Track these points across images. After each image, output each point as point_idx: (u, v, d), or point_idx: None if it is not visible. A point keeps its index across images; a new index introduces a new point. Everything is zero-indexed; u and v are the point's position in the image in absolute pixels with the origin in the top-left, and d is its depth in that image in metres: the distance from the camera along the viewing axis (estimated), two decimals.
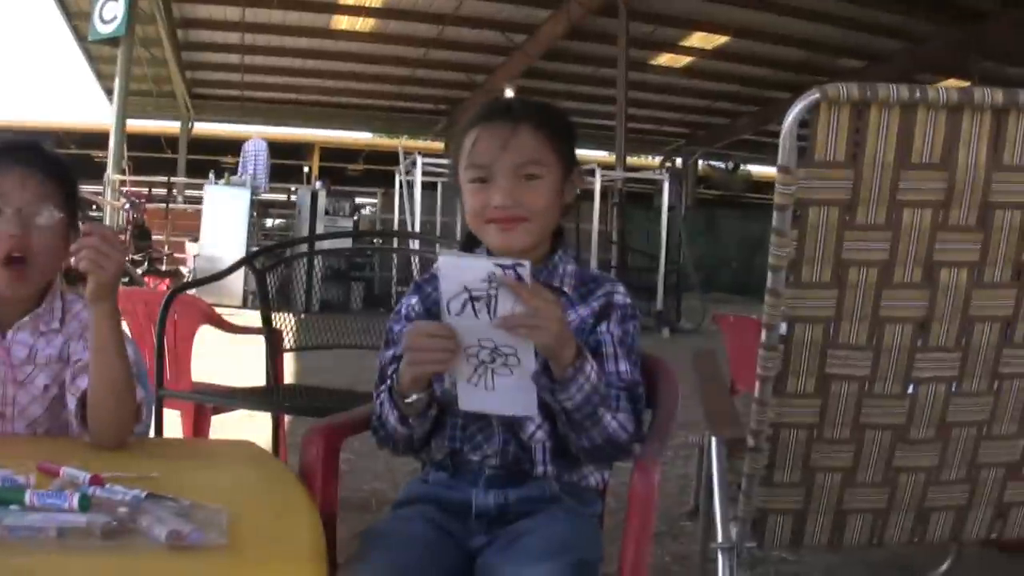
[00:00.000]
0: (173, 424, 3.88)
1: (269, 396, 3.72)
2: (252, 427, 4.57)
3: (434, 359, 1.83)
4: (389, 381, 2.02)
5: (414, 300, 2.19)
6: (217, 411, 3.87)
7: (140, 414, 2.03)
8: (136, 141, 23.56)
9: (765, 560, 3.81)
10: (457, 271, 1.75)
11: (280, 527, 1.40)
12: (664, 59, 23.90)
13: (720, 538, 2.44)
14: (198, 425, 3.76)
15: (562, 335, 1.81)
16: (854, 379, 2.21)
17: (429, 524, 1.97)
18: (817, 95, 1.93)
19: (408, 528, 1.95)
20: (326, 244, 7.52)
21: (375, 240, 15.98)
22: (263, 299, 3.95)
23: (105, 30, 18.59)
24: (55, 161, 2.19)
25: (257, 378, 4.28)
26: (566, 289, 2.11)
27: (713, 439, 2.52)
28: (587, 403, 1.89)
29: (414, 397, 1.96)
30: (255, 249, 15.52)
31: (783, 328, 2.13)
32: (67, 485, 1.45)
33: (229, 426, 4.18)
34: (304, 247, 7.51)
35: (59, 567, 1.15)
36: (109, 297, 1.93)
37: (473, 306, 1.75)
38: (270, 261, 4.32)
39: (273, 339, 3.89)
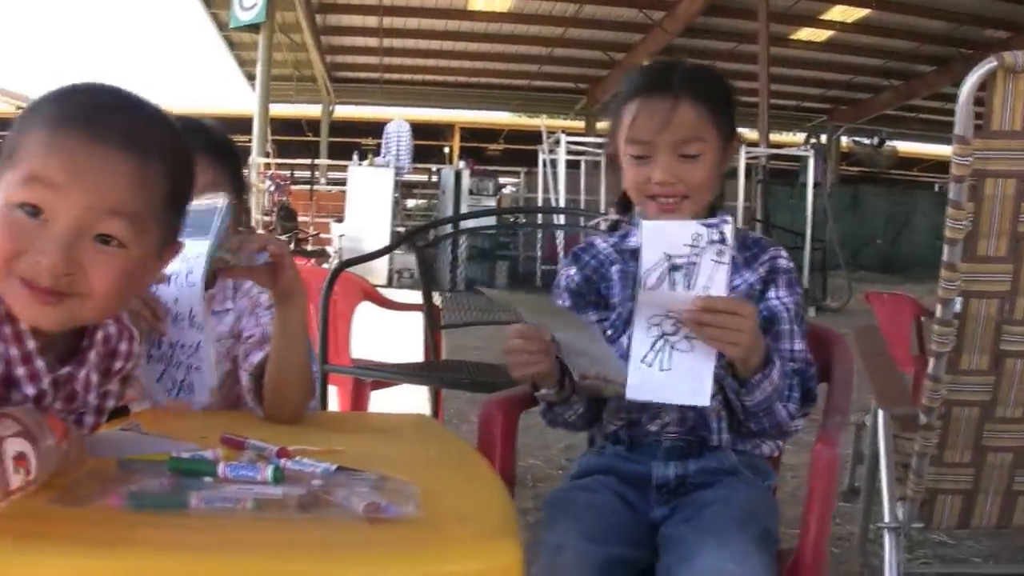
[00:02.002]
0: (332, 400, 3.95)
1: (430, 370, 3.76)
2: (407, 404, 4.62)
3: (523, 361, 1.89)
4: None
5: (572, 271, 2.18)
6: (375, 387, 3.92)
7: (314, 390, 2.06)
8: (278, 125, 24.00)
9: (924, 543, 3.73)
10: (661, 235, 1.72)
11: (469, 501, 1.38)
12: (805, 33, 23.51)
13: (887, 518, 2.40)
14: (356, 400, 3.79)
15: (753, 345, 1.80)
16: None
17: (610, 493, 1.96)
18: (994, 63, 1.89)
19: (591, 498, 1.93)
20: (471, 223, 7.56)
21: (519, 218, 15.95)
22: (424, 275, 4.00)
23: (245, 17, 18.96)
24: (223, 144, 2.23)
25: (410, 355, 4.31)
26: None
27: (880, 416, 2.48)
28: (766, 402, 1.89)
29: (543, 391, 2.00)
30: (403, 229, 15.71)
31: (958, 304, 2.09)
32: (254, 457, 1.47)
33: (385, 402, 4.22)
34: (454, 227, 7.54)
35: (258, 539, 1.16)
36: (298, 291, 1.92)
37: (671, 277, 1.71)
38: (423, 240, 4.35)
39: (433, 315, 3.93)
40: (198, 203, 1.75)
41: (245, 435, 1.58)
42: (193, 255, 1.81)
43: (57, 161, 1.26)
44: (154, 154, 1.34)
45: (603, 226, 2.21)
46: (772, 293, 2.05)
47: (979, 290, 2.07)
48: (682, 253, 1.70)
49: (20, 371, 1.35)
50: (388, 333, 5.56)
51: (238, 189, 2.20)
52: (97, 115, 1.30)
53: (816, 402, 2.03)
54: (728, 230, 1.70)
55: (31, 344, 1.36)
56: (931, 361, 2.13)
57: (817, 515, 1.80)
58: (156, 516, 1.21)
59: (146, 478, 1.31)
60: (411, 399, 4.43)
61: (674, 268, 1.71)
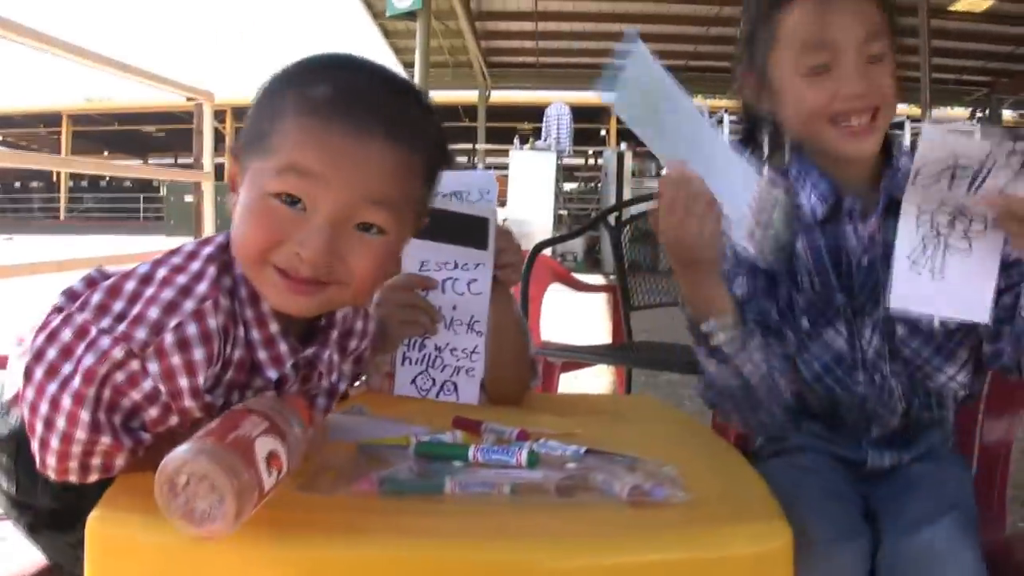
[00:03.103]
0: None
1: (624, 351, 3.72)
2: (594, 384, 4.58)
3: (679, 222, 1.50)
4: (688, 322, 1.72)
5: None
6: (564, 369, 3.89)
7: (536, 368, 2.03)
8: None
9: None
10: (943, 145, 1.42)
11: (725, 481, 1.34)
12: (964, 3, 22.81)
13: None
14: (546, 382, 3.77)
15: None
16: None
17: (831, 472, 1.81)
18: None
19: (818, 481, 1.76)
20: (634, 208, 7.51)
21: None
22: (617, 257, 3.95)
23: (402, 5, 19.16)
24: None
25: (593, 336, 4.27)
26: None
27: None
28: None
29: (713, 322, 1.64)
30: (565, 212, 15.70)
31: None
32: (496, 441, 1.43)
33: (572, 383, 4.19)
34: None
35: (522, 527, 1.12)
36: (516, 276, 1.93)
37: (953, 175, 1.44)
38: (619, 220, 4.30)
39: (627, 296, 3.89)
40: (467, 208, 1.82)
41: (477, 417, 1.55)
42: (472, 263, 1.84)
43: (319, 152, 1.25)
44: (418, 143, 1.32)
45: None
46: None
47: None
48: (969, 163, 1.43)
49: (263, 355, 1.34)
50: (570, 315, 5.53)
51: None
52: (358, 101, 1.28)
53: None
54: None
55: (275, 326, 1.35)
56: None
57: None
58: (410, 502, 1.19)
59: (394, 462, 1.29)
60: (598, 380, 4.40)
61: (959, 167, 1.44)
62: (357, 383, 1.92)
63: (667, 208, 1.51)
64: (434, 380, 1.86)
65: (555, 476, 1.21)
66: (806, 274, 1.82)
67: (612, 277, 4.53)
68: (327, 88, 1.28)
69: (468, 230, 1.81)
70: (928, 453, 1.88)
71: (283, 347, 1.36)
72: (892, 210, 1.66)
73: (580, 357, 3.75)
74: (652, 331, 6.17)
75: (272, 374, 1.36)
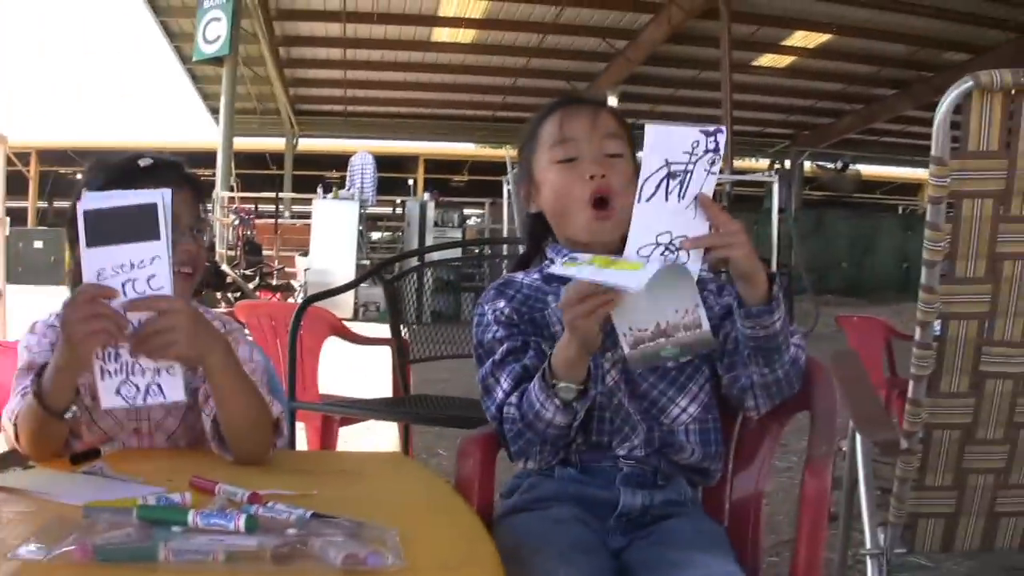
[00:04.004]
0: (299, 436, 3.89)
1: (400, 405, 3.70)
2: (374, 439, 4.57)
3: (586, 311, 1.67)
4: (509, 382, 1.93)
5: (500, 303, 2.05)
6: (344, 423, 3.87)
7: (280, 429, 1.97)
8: (242, 158, 23.94)
9: (904, 567, 3.70)
10: (665, 139, 1.64)
11: (451, 548, 1.33)
12: (767, 59, 23.73)
13: (868, 544, 2.37)
14: (325, 437, 3.75)
15: (755, 255, 1.72)
16: (1009, 376, 2.14)
17: (582, 526, 1.87)
18: (970, 83, 1.87)
19: (568, 532, 1.83)
20: (436, 255, 7.49)
21: (484, 249, 15.96)
22: (392, 309, 3.94)
23: (209, 50, 19.03)
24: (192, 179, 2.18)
25: (378, 390, 4.26)
26: None
27: (859, 442, 2.45)
28: (784, 326, 1.80)
29: (565, 384, 1.81)
30: (369, 262, 15.65)
31: (937, 326, 2.07)
32: (225, 503, 1.41)
33: (352, 438, 4.17)
34: (420, 259, 7.51)
35: None
36: (208, 351, 1.82)
37: (667, 184, 1.65)
38: (388, 273, 4.30)
39: (403, 349, 3.87)
40: (123, 201, 1.71)
41: (216, 478, 1.53)
42: (147, 258, 1.73)
43: None
44: None
45: (505, 266, 2.02)
46: (712, 300, 2.01)
47: (958, 312, 2.06)
48: (680, 160, 1.65)
49: None
50: (355, 367, 5.51)
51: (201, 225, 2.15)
52: None
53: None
54: (723, 139, 1.65)
55: None
56: (911, 384, 2.11)
57: (807, 548, 1.76)
58: (124, 570, 1.16)
59: (113, 527, 1.26)
60: (380, 434, 4.39)
61: (671, 176, 1.65)
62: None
63: (584, 313, 1.68)
64: (137, 387, 1.77)
65: (272, 542, 1.20)
66: (556, 321, 1.96)
67: (415, 327, 4.52)
68: None
69: (135, 224, 1.72)
70: (679, 504, 1.96)
71: None
72: None
73: (339, 411, 3.72)
74: (449, 381, 6.19)
75: None
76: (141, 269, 1.73)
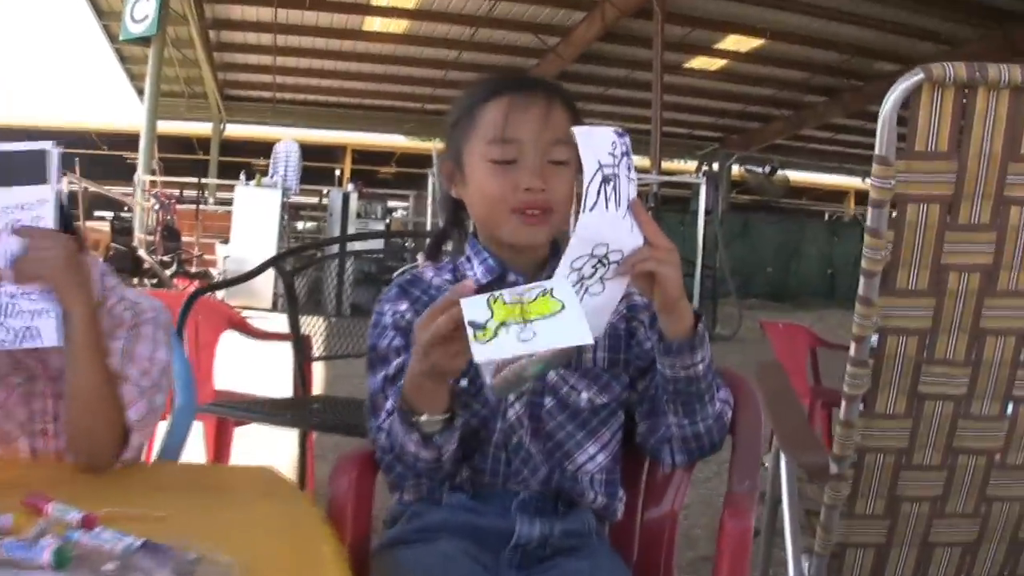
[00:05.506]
0: (194, 434, 3.66)
1: (296, 410, 3.46)
2: (278, 437, 4.36)
3: (447, 352, 1.46)
4: (393, 403, 1.72)
5: (403, 306, 1.87)
6: (238, 423, 3.65)
7: (127, 440, 1.78)
8: (168, 143, 23.63)
9: None
10: (593, 139, 1.50)
11: None
12: (698, 62, 23.81)
13: (792, 573, 2.22)
14: (220, 437, 3.53)
15: (682, 281, 1.59)
16: (949, 398, 1.97)
17: (470, 560, 1.69)
18: (920, 75, 1.70)
19: (455, 570, 1.66)
20: (357, 246, 7.28)
21: (406, 241, 15.79)
22: (291, 303, 3.71)
23: (136, 30, 18.70)
24: None
25: (285, 386, 4.06)
26: None
27: (783, 465, 2.29)
28: (708, 372, 1.68)
29: (426, 418, 1.60)
30: (283, 250, 15.39)
31: (873, 340, 1.90)
32: (53, 526, 1.20)
33: (253, 436, 3.96)
34: (335, 249, 7.31)
35: None
36: (73, 299, 1.73)
37: (605, 191, 1.49)
38: (300, 263, 4.10)
39: (302, 347, 3.65)
40: (13, 148, 1.77)
41: (54, 494, 1.33)
42: (34, 201, 1.75)
43: None
44: None
45: (420, 258, 1.82)
46: (643, 334, 1.87)
47: (897, 326, 1.88)
48: (609, 163, 1.50)
49: None
50: (264, 362, 5.31)
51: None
52: None
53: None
54: (627, 142, 1.53)
55: None
56: (843, 404, 1.93)
57: None
58: None
59: None
60: (281, 433, 4.19)
61: (605, 180, 1.49)
62: None
63: (440, 338, 1.46)
64: (13, 330, 1.72)
65: None
66: None
67: (333, 320, 4.32)
68: None
69: (24, 168, 1.76)
70: (582, 536, 1.81)
71: None
72: None
73: (216, 411, 3.48)
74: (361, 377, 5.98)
75: None
76: (28, 211, 1.75)
